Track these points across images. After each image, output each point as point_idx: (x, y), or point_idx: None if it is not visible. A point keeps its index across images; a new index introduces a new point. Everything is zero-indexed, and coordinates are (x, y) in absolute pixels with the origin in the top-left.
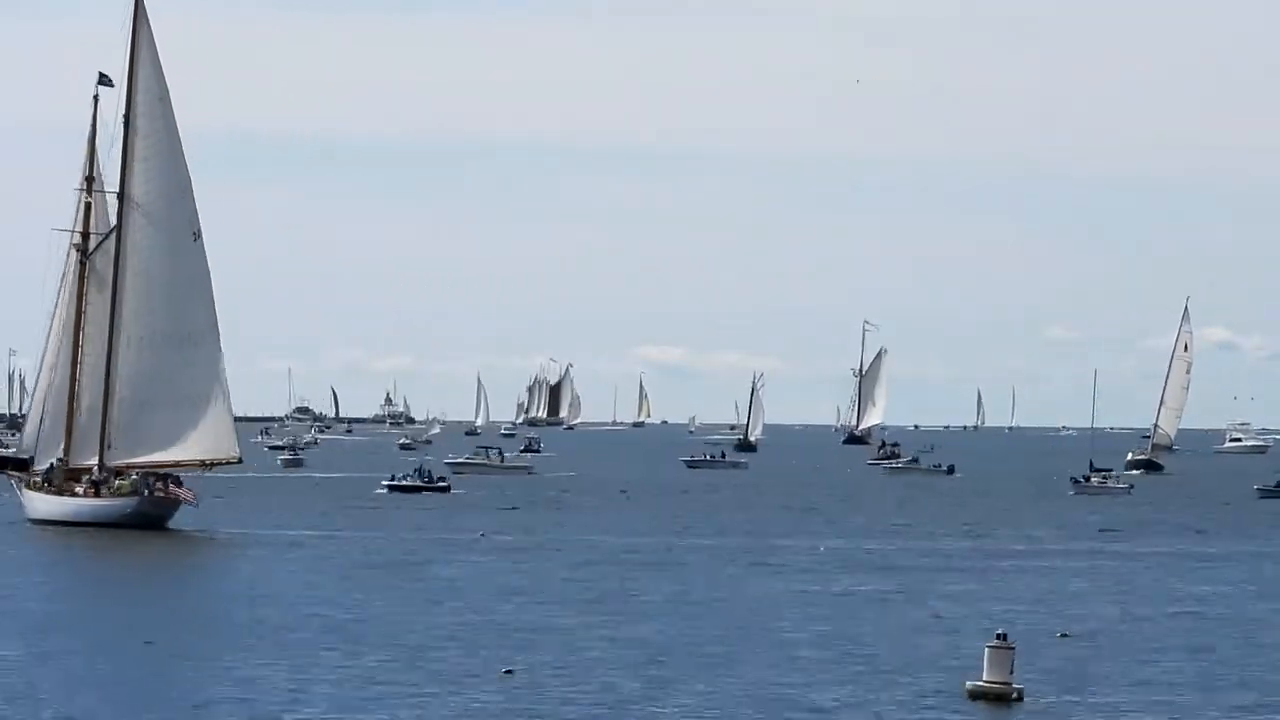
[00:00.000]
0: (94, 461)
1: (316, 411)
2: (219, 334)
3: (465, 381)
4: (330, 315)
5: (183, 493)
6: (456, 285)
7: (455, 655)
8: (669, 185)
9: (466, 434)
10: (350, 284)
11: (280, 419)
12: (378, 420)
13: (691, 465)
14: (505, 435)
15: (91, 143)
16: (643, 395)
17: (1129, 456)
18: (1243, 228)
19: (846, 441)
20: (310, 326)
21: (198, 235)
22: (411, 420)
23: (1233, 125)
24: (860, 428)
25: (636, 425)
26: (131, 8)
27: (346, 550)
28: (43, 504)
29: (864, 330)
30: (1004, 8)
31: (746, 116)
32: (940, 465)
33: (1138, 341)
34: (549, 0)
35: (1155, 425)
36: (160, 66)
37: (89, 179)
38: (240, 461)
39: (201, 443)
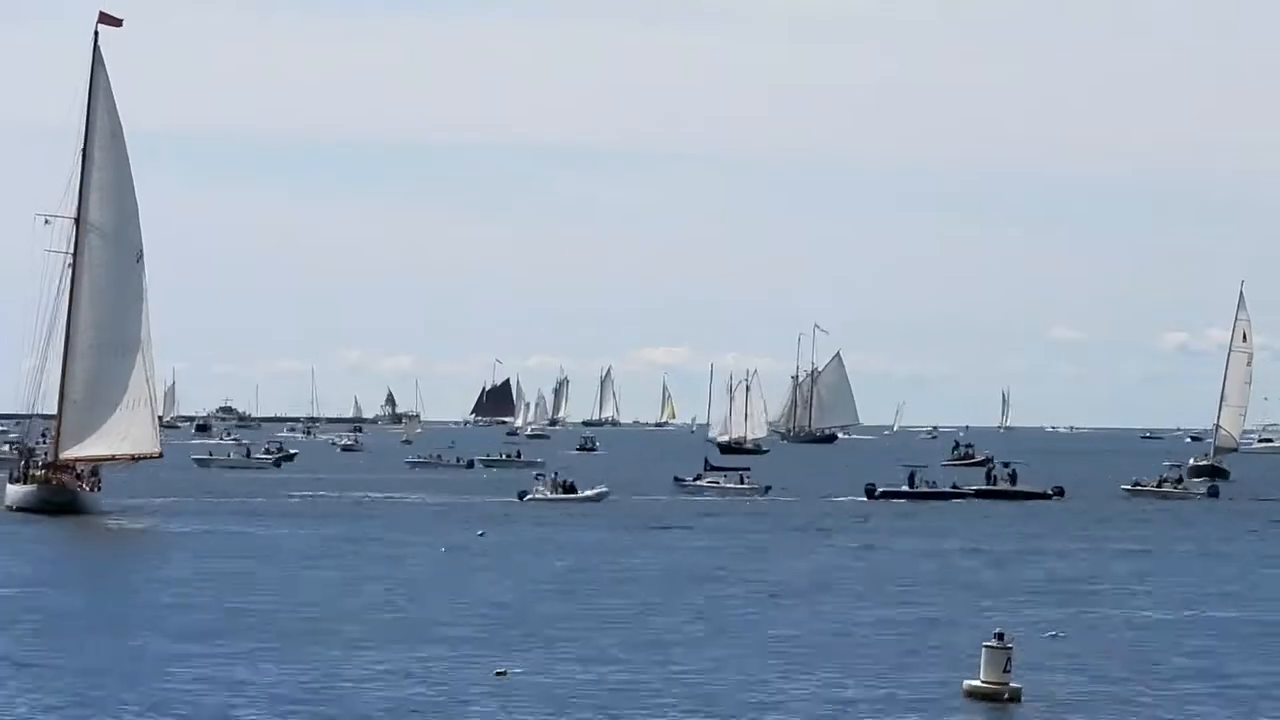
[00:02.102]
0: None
1: (240, 411)
2: (151, 345)
3: (467, 382)
4: (332, 316)
5: (68, 479)
6: (458, 285)
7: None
8: (667, 185)
9: (508, 434)
10: (351, 284)
11: (205, 417)
12: (377, 421)
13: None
14: (534, 435)
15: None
16: (665, 396)
17: (1190, 462)
18: (1244, 228)
19: (806, 440)
20: (312, 327)
21: (140, 257)
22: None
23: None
24: (822, 428)
25: (659, 425)
26: (90, 53)
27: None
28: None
29: (814, 333)
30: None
31: (748, 116)
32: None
33: (1138, 342)
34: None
35: (1216, 425)
36: (115, 106)
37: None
38: (161, 457)
39: (131, 439)
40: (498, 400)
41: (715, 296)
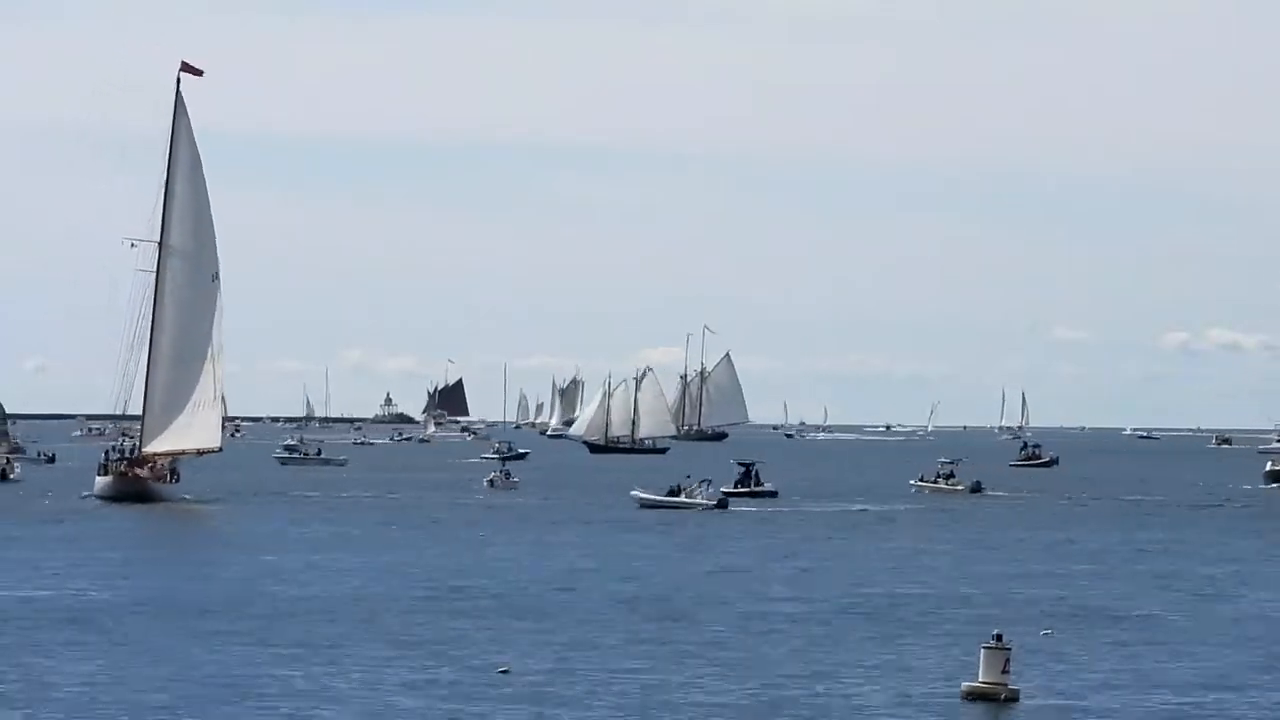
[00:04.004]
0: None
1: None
2: (222, 353)
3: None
4: (334, 316)
5: (140, 472)
6: (458, 285)
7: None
8: (668, 185)
9: (549, 436)
10: (352, 284)
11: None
12: (378, 421)
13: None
14: (554, 436)
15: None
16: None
17: (1269, 467)
18: (1244, 228)
19: (698, 438)
20: (314, 327)
21: (215, 276)
22: (411, 420)
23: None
24: (712, 426)
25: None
26: (173, 96)
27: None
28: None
29: (704, 334)
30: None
31: (747, 116)
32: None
33: (1139, 343)
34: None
35: None
36: (195, 142)
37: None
38: (220, 450)
39: (196, 436)
40: (450, 400)
41: (716, 296)
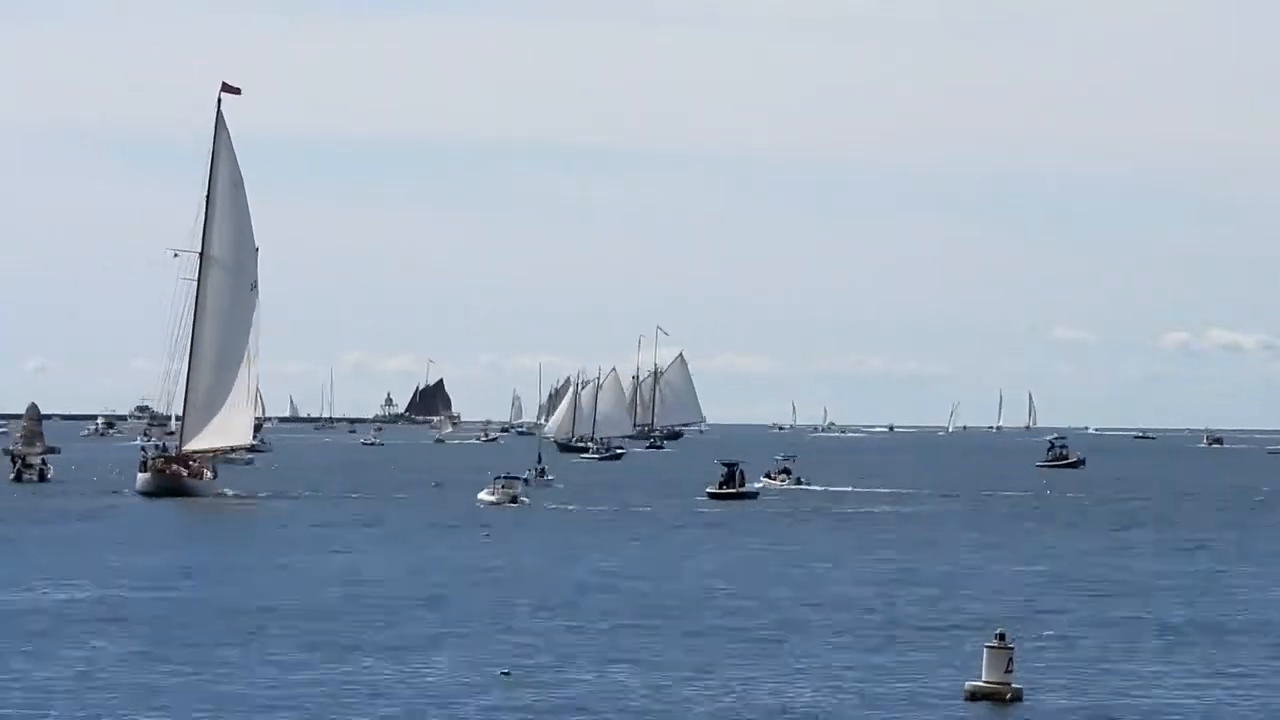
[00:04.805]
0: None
1: (155, 410)
2: (258, 356)
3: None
4: (334, 316)
5: (176, 468)
6: (458, 285)
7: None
8: (668, 185)
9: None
10: (352, 284)
11: (123, 417)
12: (377, 420)
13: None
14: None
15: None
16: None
17: None
18: (1244, 228)
19: (665, 437)
20: (314, 327)
21: (254, 286)
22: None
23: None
24: (667, 426)
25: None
26: (214, 117)
27: None
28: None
29: (656, 334)
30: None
31: (748, 116)
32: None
33: (1139, 343)
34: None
35: None
36: (236, 159)
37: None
38: (249, 448)
39: (228, 434)
40: (432, 399)
41: (716, 296)
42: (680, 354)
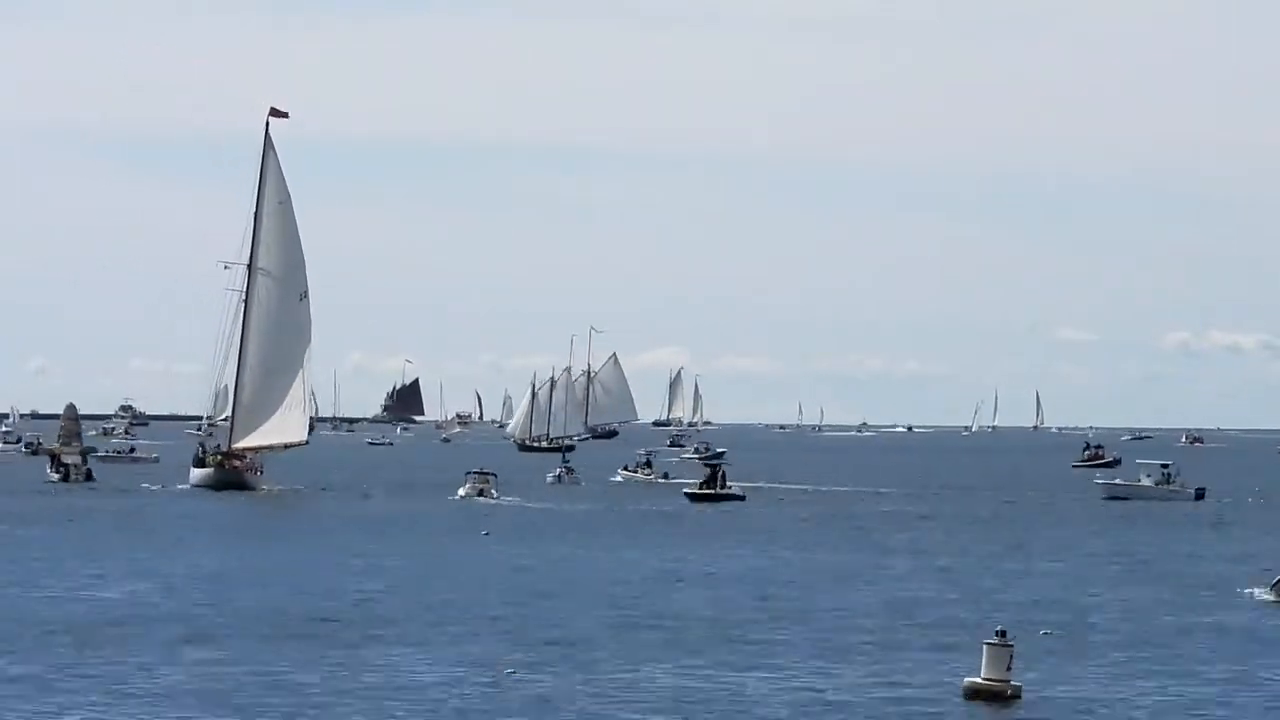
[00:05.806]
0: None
1: (137, 410)
2: (312, 360)
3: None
4: (334, 316)
5: (240, 464)
6: (457, 285)
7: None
8: (668, 185)
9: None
10: (353, 284)
11: (107, 416)
12: (377, 420)
13: None
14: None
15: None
16: (697, 397)
17: None
18: (1244, 228)
19: (598, 436)
20: (316, 328)
21: (303, 296)
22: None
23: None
24: (603, 424)
25: (690, 425)
26: (262, 135)
27: None
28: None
29: (590, 334)
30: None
31: (747, 116)
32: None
33: (1139, 343)
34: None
35: None
36: (283, 177)
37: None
38: (307, 444)
39: (282, 432)
40: (407, 399)
41: (716, 296)
42: (614, 354)
